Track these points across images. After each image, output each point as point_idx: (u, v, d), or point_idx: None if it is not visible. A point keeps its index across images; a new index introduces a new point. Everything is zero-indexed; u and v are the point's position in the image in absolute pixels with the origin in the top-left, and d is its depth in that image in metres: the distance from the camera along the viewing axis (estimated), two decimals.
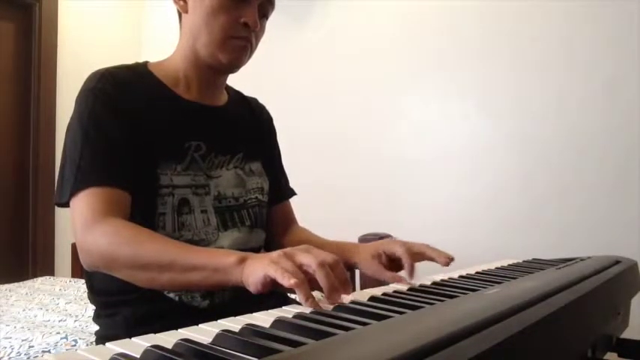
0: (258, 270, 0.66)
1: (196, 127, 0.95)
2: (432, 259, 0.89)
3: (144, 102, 0.91)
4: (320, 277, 0.62)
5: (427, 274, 0.88)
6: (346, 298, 0.63)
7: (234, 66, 0.94)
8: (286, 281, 0.61)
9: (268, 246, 1.07)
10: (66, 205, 0.85)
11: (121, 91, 0.89)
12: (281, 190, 1.14)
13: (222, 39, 0.90)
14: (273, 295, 0.95)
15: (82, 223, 0.81)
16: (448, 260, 0.87)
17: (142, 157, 0.87)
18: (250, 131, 1.06)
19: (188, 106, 0.96)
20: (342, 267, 0.67)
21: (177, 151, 0.91)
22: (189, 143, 0.92)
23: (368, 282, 1.30)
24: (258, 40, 0.96)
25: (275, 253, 0.68)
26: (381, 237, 1.39)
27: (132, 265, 0.78)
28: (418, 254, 0.89)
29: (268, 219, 1.07)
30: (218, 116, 1.00)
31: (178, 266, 0.74)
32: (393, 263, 0.91)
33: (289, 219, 1.15)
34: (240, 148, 1.01)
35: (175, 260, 0.75)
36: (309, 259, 0.64)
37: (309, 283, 0.62)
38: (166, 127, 0.91)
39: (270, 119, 1.16)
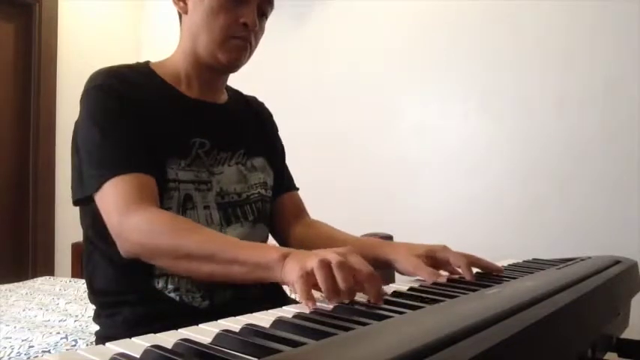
0: (292, 274, 0.65)
1: (200, 124, 0.96)
2: (484, 269, 0.87)
3: (148, 99, 0.91)
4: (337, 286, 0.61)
5: None
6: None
7: (234, 66, 0.95)
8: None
9: (276, 237, 1.08)
10: (86, 200, 0.85)
11: (127, 87, 0.90)
12: (287, 181, 1.13)
13: (222, 39, 0.91)
14: (273, 295, 0.96)
15: (117, 210, 0.81)
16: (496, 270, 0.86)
17: (152, 150, 0.87)
18: (251, 128, 1.06)
19: (191, 104, 0.96)
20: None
21: (183, 147, 0.91)
22: (194, 140, 0.93)
23: None
24: (257, 39, 0.96)
25: (314, 260, 0.64)
26: (382, 237, 1.39)
27: (173, 256, 0.79)
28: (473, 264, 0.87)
29: (276, 209, 1.07)
30: (220, 113, 1.01)
31: (220, 259, 0.75)
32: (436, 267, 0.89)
33: (299, 209, 1.13)
34: (242, 145, 1.01)
35: (217, 253, 0.76)
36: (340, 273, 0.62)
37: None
38: (172, 124, 0.92)
39: (270, 115, 1.16)
